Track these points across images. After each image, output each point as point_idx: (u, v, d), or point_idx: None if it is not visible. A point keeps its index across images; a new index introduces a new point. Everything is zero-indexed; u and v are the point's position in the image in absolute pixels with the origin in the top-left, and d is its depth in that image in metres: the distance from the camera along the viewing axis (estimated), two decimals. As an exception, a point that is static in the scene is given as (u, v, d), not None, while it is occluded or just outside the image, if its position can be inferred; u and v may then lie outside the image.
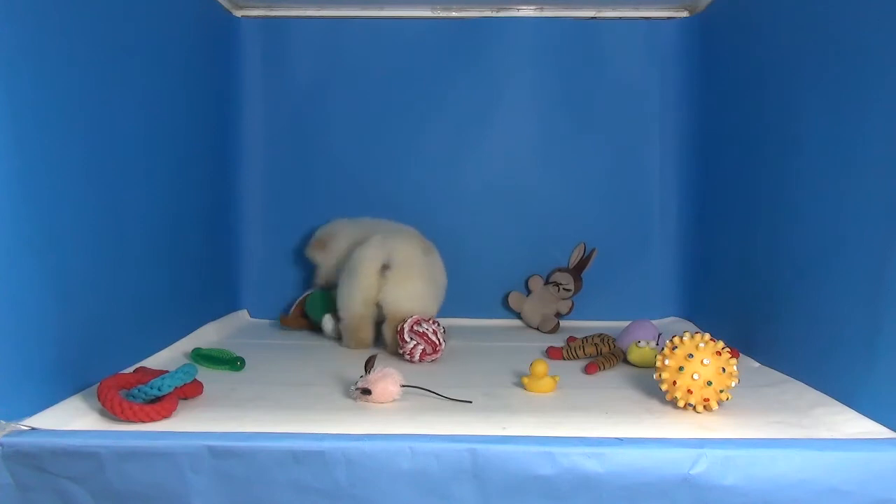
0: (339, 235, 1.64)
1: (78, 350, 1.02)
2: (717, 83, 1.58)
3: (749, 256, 1.37)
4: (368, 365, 1.09)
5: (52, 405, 0.94)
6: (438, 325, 1.37)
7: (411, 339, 1.33)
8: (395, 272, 1.44)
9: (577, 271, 1.72)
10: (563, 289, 1.69)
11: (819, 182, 1.11)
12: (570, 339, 1.45)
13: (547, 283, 1.73)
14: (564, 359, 1.36)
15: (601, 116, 1.76)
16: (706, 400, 0.98)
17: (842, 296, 1.02)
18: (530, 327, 1.73)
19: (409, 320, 1.35)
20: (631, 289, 1.76)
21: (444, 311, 1.60)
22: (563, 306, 1.71)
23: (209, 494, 0.83)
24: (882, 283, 0.93)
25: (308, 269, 1.76)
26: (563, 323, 1.69)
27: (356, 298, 1.45)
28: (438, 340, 1.34)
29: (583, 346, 1.36)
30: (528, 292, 1.75)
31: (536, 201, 1.77)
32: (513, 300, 1.75)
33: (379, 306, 1.44)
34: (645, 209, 1.77)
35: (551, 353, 1.38)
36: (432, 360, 1.34)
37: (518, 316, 1.76)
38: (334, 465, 0.82)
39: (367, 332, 1.46)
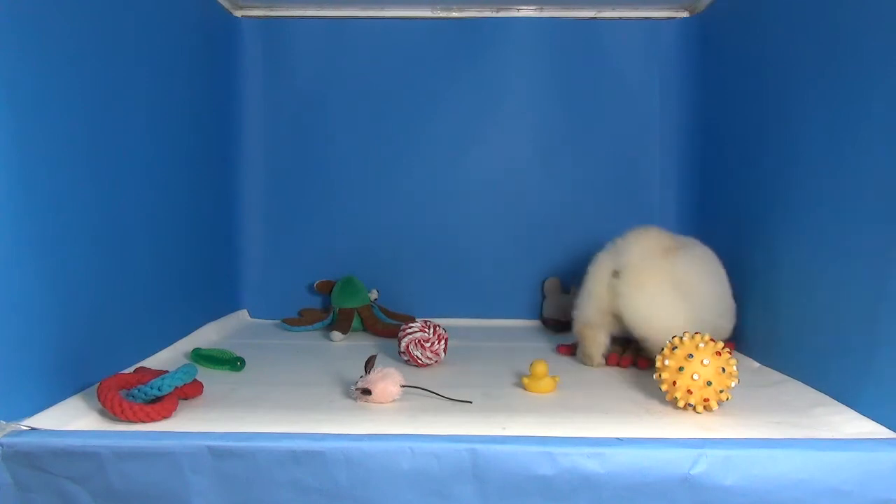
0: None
1: (78, 350, 1.02)
2: (717, 83, 1.58)
3: (749, 256, 1.37)
4: (368, 365, 1.09)
5: (52, 405, 0.94)
6: (440, 340, 1.30)
7: (404, 355, 1.30)
8: (624, 278, 1.27)
9: None
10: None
11: (819, 182, 1.11)
12: None
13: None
14: (574, 355, 1.36)
15: (601, 116, 1.76)
16: (706, 400, 0.98)
17: (842, 296, 1.02)
18: (549, 318, 1.70)
19: (407, 337, 1.29)
20: (631, 289, 1.76)
21: (445, 311, 1.60)
22: None
23: (209, 494, 0.83)
24: (882, 282, 0.93)
25: (307, 268, 1.76)
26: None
27: (584, 306, 1.33)
28: (431, 361, 1.30)
29: None
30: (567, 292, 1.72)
31: (536, 201, 1.76)
32: (550, 286, 1.74)
33: (618, 318, 1.28)
34: (645, 209, 1.77)
35: (561, 350, 1.39)
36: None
37: (541, 301, 1.74)
38: (334, 465, 0.82)
39: (594, 346, 1.30)
